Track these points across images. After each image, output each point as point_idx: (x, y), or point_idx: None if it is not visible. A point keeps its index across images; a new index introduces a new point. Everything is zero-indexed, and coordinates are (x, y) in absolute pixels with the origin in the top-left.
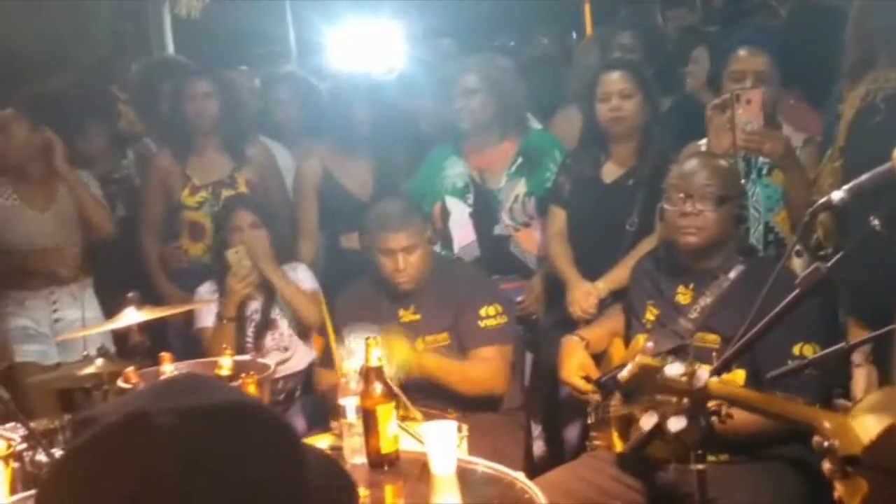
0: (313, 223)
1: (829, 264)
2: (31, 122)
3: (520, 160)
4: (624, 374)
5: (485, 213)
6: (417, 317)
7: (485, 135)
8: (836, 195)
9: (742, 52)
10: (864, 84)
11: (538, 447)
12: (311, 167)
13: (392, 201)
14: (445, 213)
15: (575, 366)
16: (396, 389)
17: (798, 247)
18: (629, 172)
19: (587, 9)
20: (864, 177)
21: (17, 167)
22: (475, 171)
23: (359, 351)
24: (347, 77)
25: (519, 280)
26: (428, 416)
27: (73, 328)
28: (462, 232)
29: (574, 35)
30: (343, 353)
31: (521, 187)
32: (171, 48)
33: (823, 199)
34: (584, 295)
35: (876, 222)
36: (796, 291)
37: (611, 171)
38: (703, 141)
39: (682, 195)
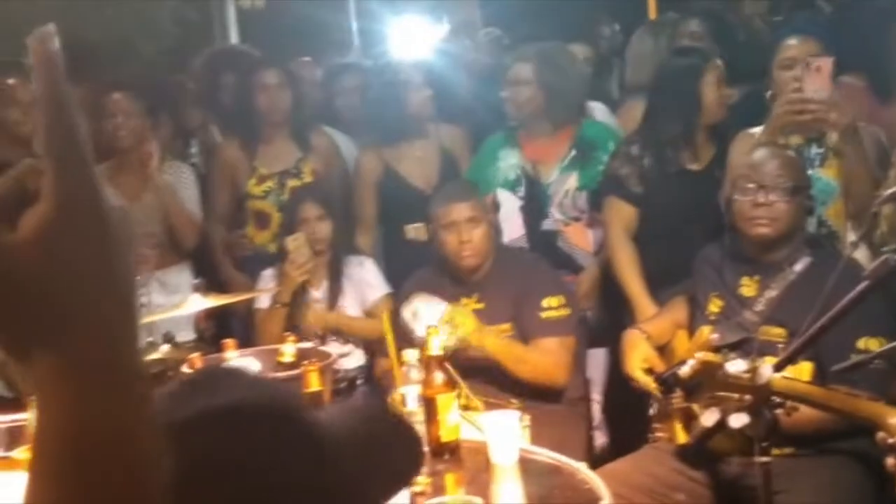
0: (372, 217)
1: None
2: (141, 109)
3: (573, 153)
4: (685, 370)
5: (535, 206)
6: (481, 305)
7: (537, 125)
8: None
9: (792, 41)
10: None
11: (600, 437)
12: (369, 161)
13: (455, 181)
14: (496, 206)
15: (638, 359)
16: (457, 378)
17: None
18: (714, 161)
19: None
20: None
21: (119, 154)
22: (528, 162)
23: (424, 315)
24: (404, 65)
25: (567, 276)
26: (489, 406)
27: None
28: (512, 225)
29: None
30: (408, 316)
31: (572, 181)
32: (234, 39)
33: (892, 190)
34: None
35: None
36: (864, 283)
37: (691, 159)
38: (756, 129)
39: (753, 185)
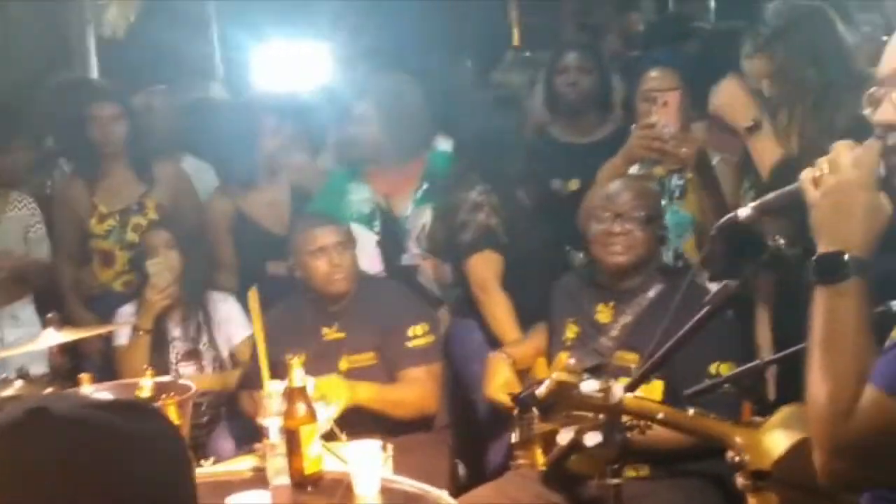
0: (229, 258)
1: (737, 282)
2: None
3: (425, 185)
4: (541, 390)
5: (392, 241)
6: (342, 335)
7: (384, 160)
8: (743, 212)
9: (653, 73)
10: None
11: (462, 466)
12: (221, 205)
13: (312, 212)
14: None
15: (500, 383)
16: (334, 427)
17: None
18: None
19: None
20: (771, 195)
21: None
22: (381, 197)
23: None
24: (263, 106)
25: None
26: (353, 436)
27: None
28: (369, 261)
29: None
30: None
31: (428, 214)
32: (94, 68)
33: (729, 216)
34: None
35: (781, 241)
36: (706, 309)
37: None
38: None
39: (609, 214)
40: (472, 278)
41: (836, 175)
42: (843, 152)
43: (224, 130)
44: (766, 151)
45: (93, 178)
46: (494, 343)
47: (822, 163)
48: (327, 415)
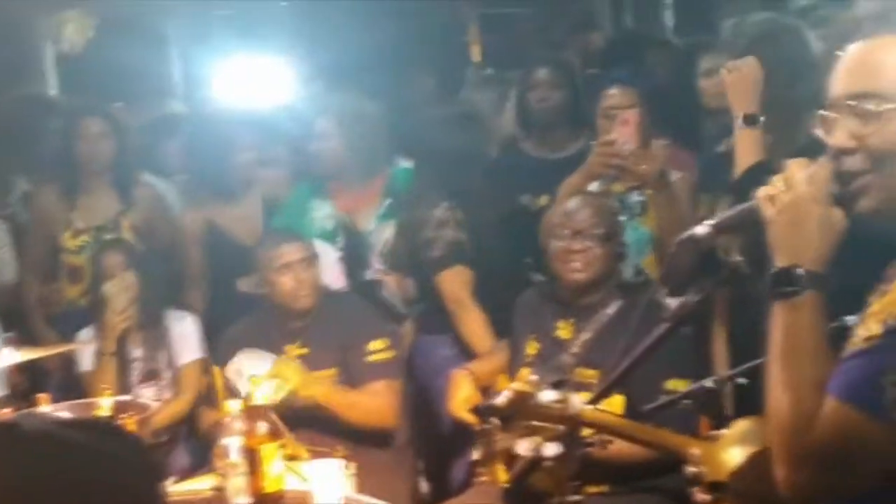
0: (199, 273)
1: (697, 299)
2: None
3: (388, 201)
4: (501, 400)
5: (355, 257)
6: (305, 351)
7: (346, 176)
8: (700, 229)
9: (612, 91)
10: None
11: (425, 483)
12: (193, 218)
13: (279, 227)
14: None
15: (462, 399)
16: (281, 427)
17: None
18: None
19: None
20: (728, 213)
21: None
22: (343, 213)
23: (249, 372)
24: (230, 120)
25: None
26: (314, 455)
27: None
28: (332, 277)
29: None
30: (233, 374)
31: (390, 230)
32: (53, 84)
33: (687, 233)
34: None
35: (738, 258)
36: (665, 326)
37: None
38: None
39: (568, 231)
40: (447, 294)
41: (791, 192)
42: (797, 170)
43: (193, 143)
44: (750, 150)
45: (72, 194)
46: (462, 359)
47: (777, 180)
48: (275, 389)
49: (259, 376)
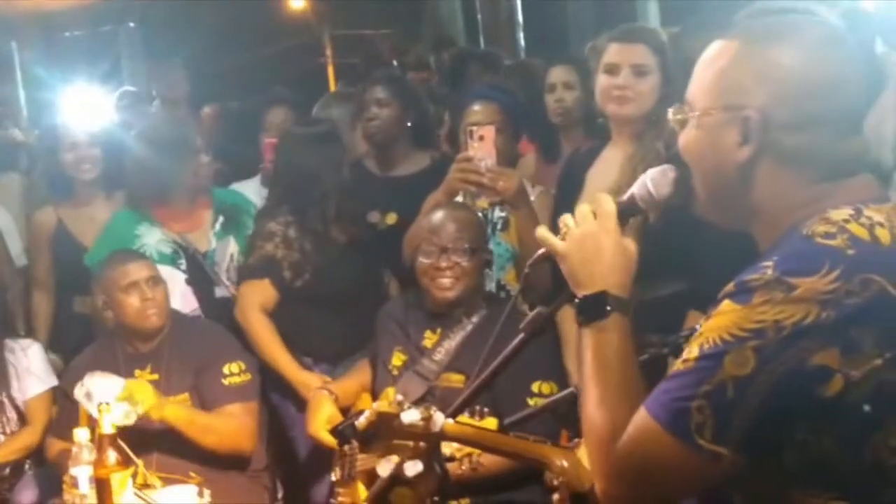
0: (48, 278)
1: (549, 309)
2: None
3: (221, 219)
4: (361, 421)
5: (202, 276)
6: (155, 376)
7: (169, 199)
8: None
9: (475, 106)
10: None
11: None
12: (44, 216)
13: (121, 248)
14: None
15: (322, 419)
16: (132, 455)
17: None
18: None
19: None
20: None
21: None
22: (177, 235)
23: (99, 393)
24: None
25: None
26: (167, 482)
27: None
28: (182, 300)
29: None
30: (81, 396)
31: (233, 246)
32: None
33: (540, 251)
34: None
35: None
36: (521, 336)
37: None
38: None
39: (434, 249)
40: (238, 304)
41: (580, 227)
42: (582, 208)
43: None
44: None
45: None
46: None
47: (565, 219)
48: (126, 412)
49: (108, 404)
